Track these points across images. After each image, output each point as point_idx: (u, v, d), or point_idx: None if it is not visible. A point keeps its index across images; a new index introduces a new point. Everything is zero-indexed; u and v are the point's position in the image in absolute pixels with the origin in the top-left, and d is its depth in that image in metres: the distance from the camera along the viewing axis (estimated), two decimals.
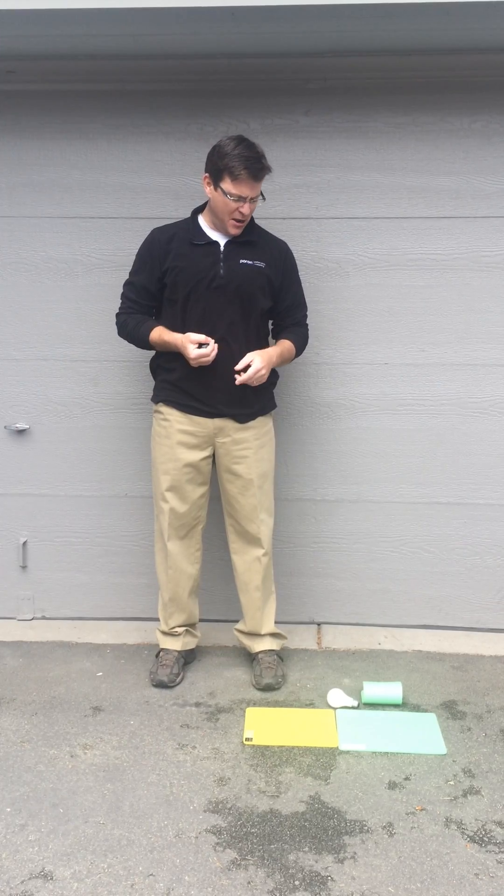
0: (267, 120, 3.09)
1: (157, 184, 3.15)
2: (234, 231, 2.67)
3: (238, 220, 2.65)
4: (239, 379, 2.66)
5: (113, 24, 2.74)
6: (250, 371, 2.66)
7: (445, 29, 2.75)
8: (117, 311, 2.88)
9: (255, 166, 2.58)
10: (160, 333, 2.73)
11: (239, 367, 2.67)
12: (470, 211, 3.09)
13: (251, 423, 2.82)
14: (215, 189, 2.64)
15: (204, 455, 2.83)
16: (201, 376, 2.74)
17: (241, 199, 2.60)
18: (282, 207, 3.12)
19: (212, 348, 2.64)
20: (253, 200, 2.64)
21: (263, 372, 2.69)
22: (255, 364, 2.66)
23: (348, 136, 3.09)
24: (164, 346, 2.75)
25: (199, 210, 2.80)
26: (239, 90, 3.06)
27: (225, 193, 2.60)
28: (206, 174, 2.67)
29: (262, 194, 2.70)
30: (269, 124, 3.09)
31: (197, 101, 3.08)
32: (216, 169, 2.61)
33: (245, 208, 2.62)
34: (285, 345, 2.83)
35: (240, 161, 2.56)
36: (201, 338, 2.63)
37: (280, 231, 2.95)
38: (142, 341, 2.80)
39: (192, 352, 2.63)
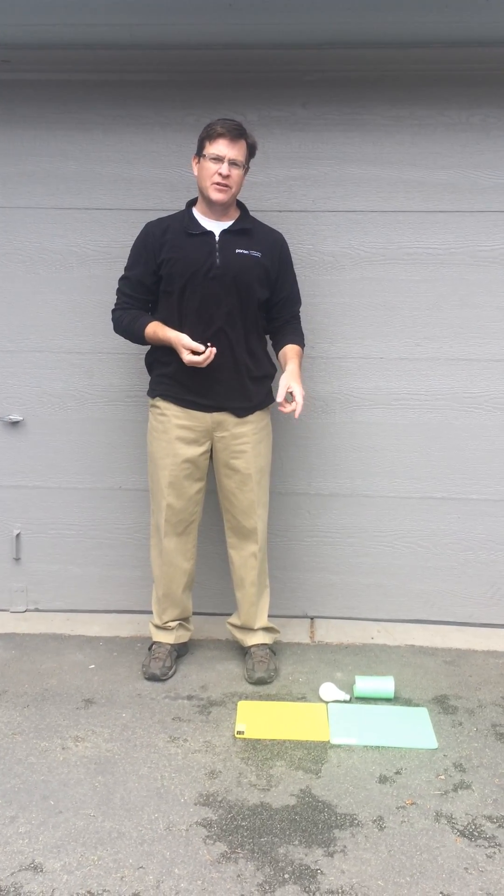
0: (264, 112, 3.07)
1: (153, 175, 3.13)
2: (217, 196, 2.63)
3: (219, 184, 2.62)
4: (297, 412, 2.66)
5: (110, 14, 2.73)
6: (300, 400, 2.65)
7: (443, 22, 2.74)
8: (113, 307, 2.86)
9: (230, 124, 2.61)
10: (155, 329, 2.72)
11: (280, 398, 2.65)
12: (467, 205, 3.08)
13: (250, 418, 2.81)
14: (199, 161, 2.66)
15: (202, 450, 2.82)
16: (199, 369, 2.72)
17: (218, 159, 2.60)
18: (278, 200, 3.11)
19: (206, 356, 2.61)
20: (234, 165, 2.62)
21: (302, 393, 2.69)
22: (297, 391, 2.66)
23: (345, 128, 3.07)
24: (160, 343, 2.74)
25: (194, 202, 2.79)
26: (236, 81, 3.04)
27: (206, 158, 2.62)
28: (194, 156, 2.70)
29: (247, 164, 2.68)
30: (267, 116, 3.07)
31: (194, 92, 3.07)
32: (199, 141, 2.67)
33: (224, 168, 2.60)
34: (297, 351, 2.81)
35: (216, 122, 2.63)
36: (196, 346, 2.62)
37: (276, 224, 2.94)
38: (137, 337, 2.79)
39: (186, 356, 2.62)
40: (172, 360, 2.76)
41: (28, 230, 3.20)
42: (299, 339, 2.86)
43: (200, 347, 2.61)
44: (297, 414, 2.67)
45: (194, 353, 2.62)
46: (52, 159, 3.15)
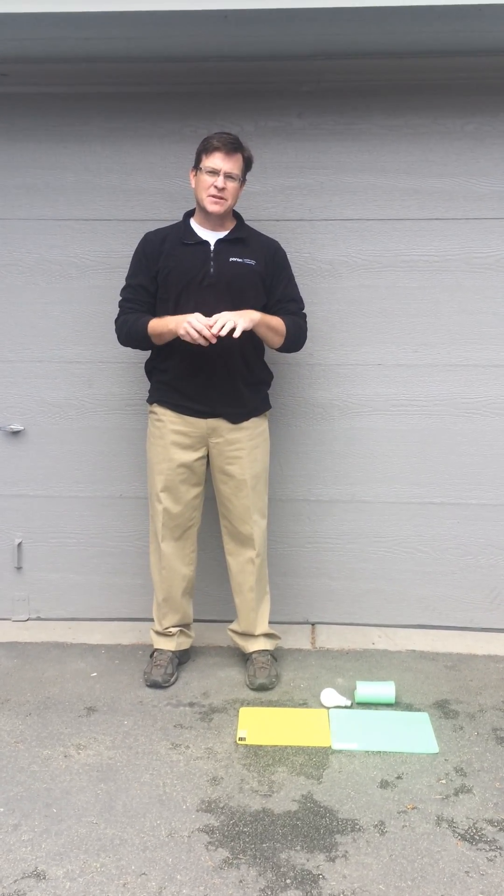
0: (260, 122, 3.10)
1: (150, 186, 3.16)
2: (213, 207, 2.66)
3: (214, 196, 2.65)
4: (217, 330, 2.55)
5: (107, 28, 2.76)
6: (220, 320, 2.54)
7: (438, 32, 2.77)
8: (115, 317, 2.85)
9: (227, 138, 2.65)
10: (156, 323, 2.69)
11: (211, 321, 2.57)
12: (462, 212, 3.11)
13: (245, 424, 2.84)
14: (196, 174, 2.69)
15: (198, 455, 2.84)
16: (195, 376, 2.75)
17: (214, 172, 2.63)
18: (275, 209, 3.14)
19: (211, 333, 2.55)
20: (230, 178, 2.65)
21: (236, 320, 2.56)
22: (223, 316, 2.57)
23: (341, 138, 3.10)
24: (164, 334, 2.67)
25: (191, 213, 2.82)
26: (233, 93, 3.08)
27: (202, 171, 2.65)
28: (191, 169, 2.73)
29: (243, 178, 2.71)
30: (263, 127, 3.10)
31: (191, 104, 3.10)
32: (197, 155, 2.70)
33: (219, 181, 2.63)
34: (275, 317, 2.76)
35: (213, 136, 2.66)
36: (207, 320, 2.57)
37: (274, 233, 2.97)
38: (140, 336, 2.74)
39: (196, 322, 2.54)
40: (170, 367, 2.78)
41: (28, 241, 3.22)
42: (287, 320, 2.78)
43: (211, 320, 2.56)
44: (214, 329, 2.56)
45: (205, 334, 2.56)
46: (51, 171, 3.18)
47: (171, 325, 2.64)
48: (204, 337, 2.57)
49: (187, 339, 2.59)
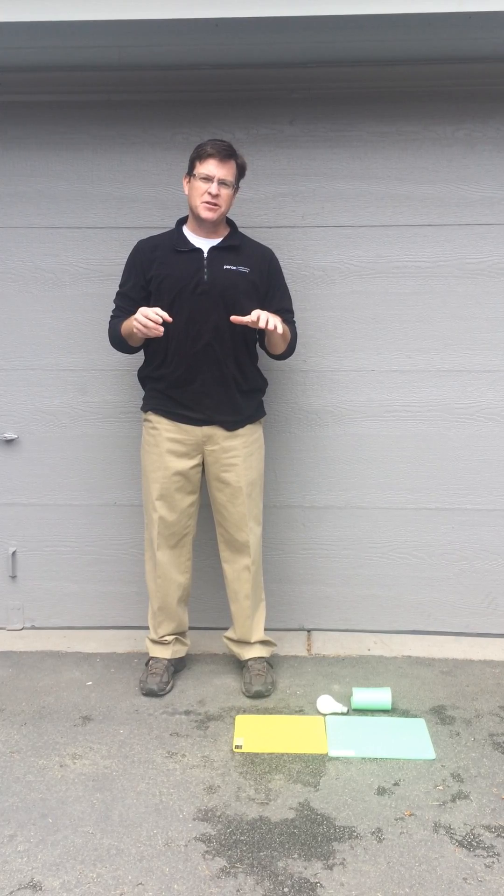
0: (252, 130, 3.11)
1: (143, 193, 3.17)
2: (206, 214, 2.67)
3: (208, 202, 2.66)
4: (261, 319, 2.59)
5: (99, 36, 2.77)
6: (262, 316, 2.59)
7: (428, 39, 2.79)
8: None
9: (221, 144, 2.66)
10: (125, 323, 2.73)
11: (252, 318, 2.60)
12: (454, 219, 3.12)
13: (240, 431, 2.84)
14: (189, 181, 2.71)
15: (193, 463, 2.84)
16: (190, 384, 2.75)
17: (208, 178, 2.64)
18: (267, 216, 3.15)
19: (157, 323, 2.58)
20: (224, 184, 2.66)
21: (270, 318, 2.60)
22: (258, 312, 2.60)
23: (333, 145, 3.11)
24: (130, 330, 2.71)
25: (184, 221, 2.83)
26: (224, 100, 3.09)
27: (196, 178, 2.66)
28: (185, 176, 2.74)
29: (236, 184, 2.73)
30: (255, 134, 3.11)
31: (182, 112, 3.11)
32: (190, 161, 2.71)
33: (213, 188, 2.64)
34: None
35: (207, 143, 2.68)
36: (153, 311, 2.60)
37: (266, 240, 2.97)
38: (117, 337, 2.80)
39: (140, 315, 2.58)
40: (164, 376, 2.78)
41: (20, 249, 3.22)
42: (289, 326, 2.83)
43: (152, 313, 2.58)
44: (262, 321, 2.59)
45: (152, 320, 2.58)
46: (43, 179, 3.18)
47: (132, 323, 2.66)
48: (157, 324, 2.58)
49: (140, 334, 2.63)
